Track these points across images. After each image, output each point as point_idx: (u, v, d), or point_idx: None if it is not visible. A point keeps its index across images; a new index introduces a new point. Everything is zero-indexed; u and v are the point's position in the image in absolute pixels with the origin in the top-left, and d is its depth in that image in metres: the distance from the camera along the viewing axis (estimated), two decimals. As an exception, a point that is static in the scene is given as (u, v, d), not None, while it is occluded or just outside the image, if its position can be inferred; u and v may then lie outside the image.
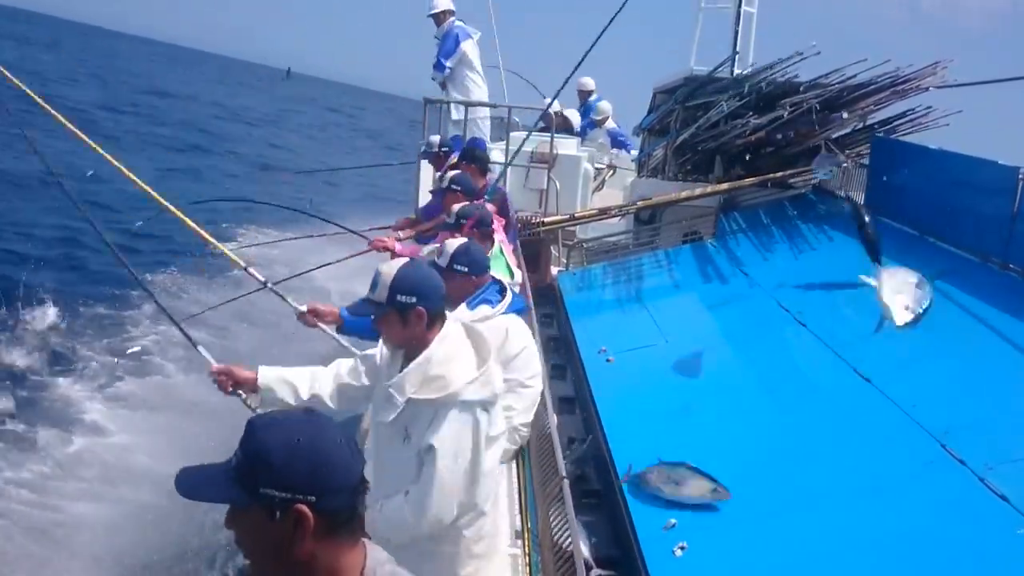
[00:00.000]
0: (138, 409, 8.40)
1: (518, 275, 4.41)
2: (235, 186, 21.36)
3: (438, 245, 3.90)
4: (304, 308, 3.72)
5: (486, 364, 2.56)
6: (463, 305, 3.39)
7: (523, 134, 9.20)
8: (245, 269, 3.75)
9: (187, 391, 8.51)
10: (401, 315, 2.53)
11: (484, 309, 3.48)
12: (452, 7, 9.63)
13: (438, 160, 7.36)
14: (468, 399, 2.50)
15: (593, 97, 12.55)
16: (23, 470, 6.91)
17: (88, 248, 12.80)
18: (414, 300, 2.51)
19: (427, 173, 8.91)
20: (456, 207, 4.64)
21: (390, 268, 2.58)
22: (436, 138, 7.76)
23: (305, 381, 2.90)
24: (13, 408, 7.90)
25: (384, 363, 2.77)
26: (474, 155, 6.20)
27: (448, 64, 9.44)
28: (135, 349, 9.82)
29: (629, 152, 12.35)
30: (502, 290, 3.72)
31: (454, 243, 3.68)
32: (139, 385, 9.00)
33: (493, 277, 3.80)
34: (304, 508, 1.34)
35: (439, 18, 9.54)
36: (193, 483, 1.43)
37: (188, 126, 32.84)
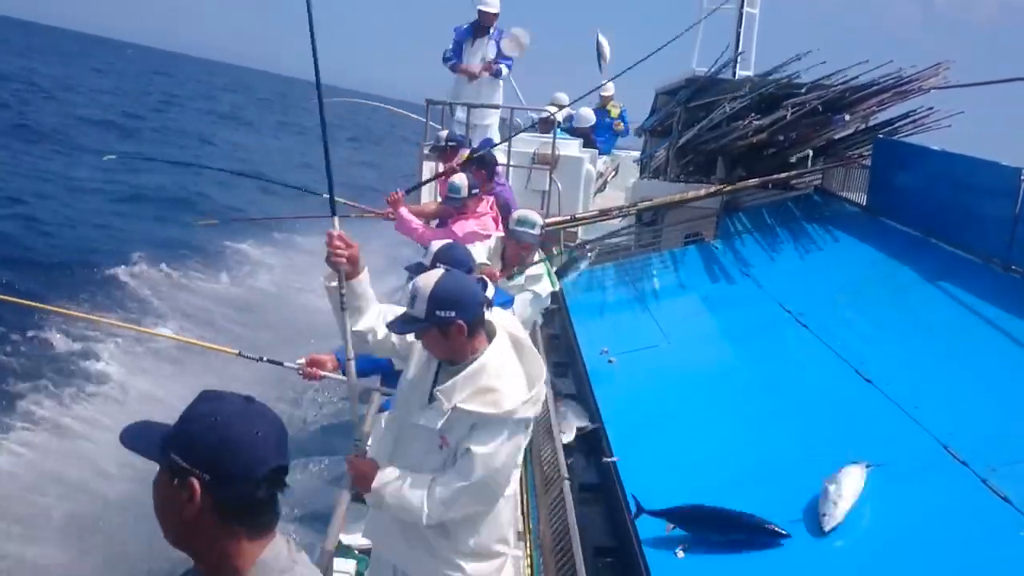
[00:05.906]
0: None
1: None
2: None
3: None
4: (302, 361, 3.68)
5: (537, 384, 2.52)
6: None
7: (525, 135, 9.21)
8: (239, 354, 3.68)
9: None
10: (441, 331, 2.47)
11: None
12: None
13: (445, 155, 7.37)
14: (520, 418, 2.46)
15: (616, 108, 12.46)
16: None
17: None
18: (453, 315, 2.44)
19: (428, 172, 8.91)
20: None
21: (428, 281, 2.50)
22: (444, 132, 7.73)
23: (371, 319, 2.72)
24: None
25: (419, 359, 2.68)
26: (483, 159, 6.27)
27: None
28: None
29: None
30: (484, 287, 3.68)
31: (437, 244, 3.69)
32: None
33: (479, 277, 3.76)
34: (195, 483, 1.37)
35: (491, 17, 9.31)
36: (136, 433, 1.47)
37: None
